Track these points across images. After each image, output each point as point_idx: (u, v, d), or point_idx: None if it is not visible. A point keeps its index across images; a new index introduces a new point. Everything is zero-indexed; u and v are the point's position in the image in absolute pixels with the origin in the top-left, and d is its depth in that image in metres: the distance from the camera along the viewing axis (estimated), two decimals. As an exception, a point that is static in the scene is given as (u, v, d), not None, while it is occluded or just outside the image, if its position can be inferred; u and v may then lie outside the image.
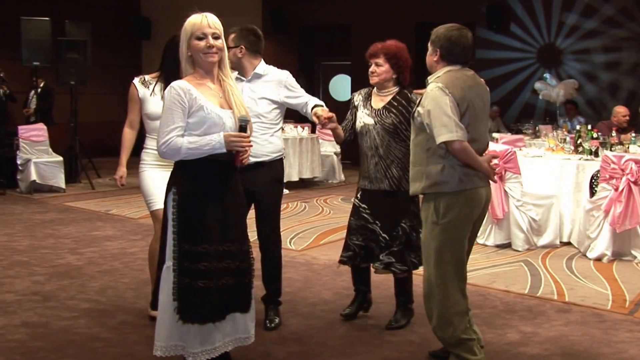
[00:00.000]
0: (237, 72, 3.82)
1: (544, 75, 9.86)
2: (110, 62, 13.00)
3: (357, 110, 3.90)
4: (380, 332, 3.80)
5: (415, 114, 3.13)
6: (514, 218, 5.77)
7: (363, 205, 3.82)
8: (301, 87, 3.93)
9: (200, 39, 2.93)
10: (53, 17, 9.93)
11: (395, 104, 3.78)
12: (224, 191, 2.97)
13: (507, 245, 5.87)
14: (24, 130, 9.14)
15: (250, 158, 3.57)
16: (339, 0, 12.38)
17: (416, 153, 3.15)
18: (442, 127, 2.98)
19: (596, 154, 6.10)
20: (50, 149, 9.25)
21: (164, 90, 3.38)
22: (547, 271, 5.17)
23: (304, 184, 9.78)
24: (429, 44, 3.24)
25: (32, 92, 10.29)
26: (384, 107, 3.79)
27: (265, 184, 3.77)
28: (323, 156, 10.13)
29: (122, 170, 3.94)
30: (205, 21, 2.94)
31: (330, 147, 10.34)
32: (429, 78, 3.19)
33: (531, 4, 11.29)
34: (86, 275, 4.97)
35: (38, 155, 9.03)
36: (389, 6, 11.99)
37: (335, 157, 10.42)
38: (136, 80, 3.88)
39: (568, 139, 6.51)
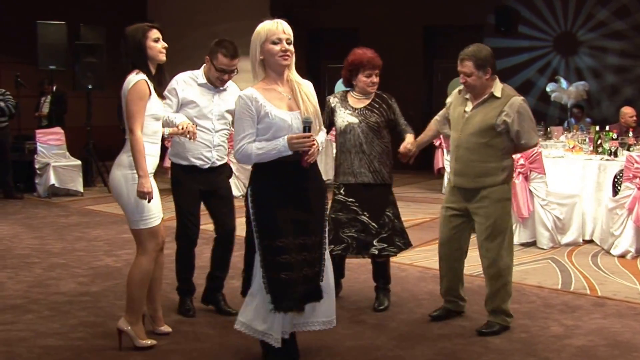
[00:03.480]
0: (204, 80, 4.05)
1: (556, 77, 10.06)
2: (117, 65, 13.08)
3: (334, 111, 4.24)
4: (430, 326, 3.95)
5: (499, 122, 3.72)
6: (539, 217, 5.94)
7: (350, 199, 4.15)
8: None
9: (275, 43, 3.10)
10: (67, 21, 10.01)
11: (377, 105, 4.20)
12: (295, 189, 3.17)
13: (532, 244, 6.03)
14: (41, 135, 9.23)
15: (217, 161, 4.06)
16: (346, 4, 12.53)
17: (487, 152, 3.75)
18: (533, 132, 3.79)
19: (615, 154, 6.28)
20: (67, 153, 9.34)
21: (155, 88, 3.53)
22: (574, 268, 5.34)
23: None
24: (472, 66, 3.73)
25: (44, 97, 10.37)
26: (366, 107, 4.18)
27: (225, 181, 4.22)
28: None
29: (150, 180, 3.42)
30: (280, 27, 3.13)
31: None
32: (495, 92, 3.76)
33: (538, 7, 11.49)
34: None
35: (56, 159, 9.11)
36: (397, 9, 12.15)
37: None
38: (145, 77, 3.45)
39: (587, 139, 6.69)
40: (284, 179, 3.14)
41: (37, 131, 9.35)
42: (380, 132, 4.16)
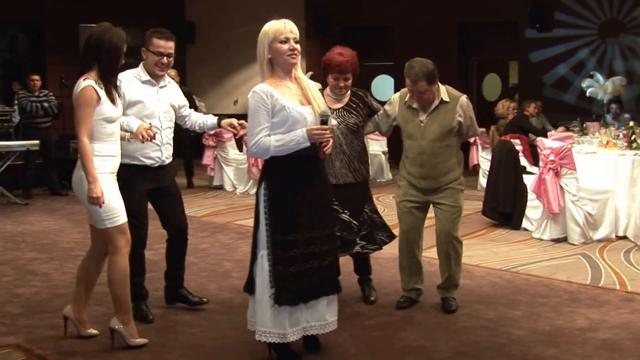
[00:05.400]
0: (147, 76, 3.98)
1: (591, 72, 9.92)
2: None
3: None
4: (456, 319, 4.03)
5: (455, 123, 4.05)
6: (570, 213, 5.93)
7: None
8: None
9: (283, 42, 3.20)
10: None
11: (354, 105, 4.20)
12: (309, 183, 3.28)
13: (563, 239, 6.03)
14: (84, 134, 9.54)
15: (166, 160, 4.02)
16: (381, 2, 12.58)
17: (447, 152, 4.08)
18: (476, 123, 4.20)
19: (650, 150, 6.23)
20: (109, 151, 9.63)
21: (113, 91, 3.49)
22: (605, 263, 5.33)
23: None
24: (425, 85, 3.94)
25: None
26: (344, 108, 4.19)
27: (173, 180, 4.18)
28: (371, 155, 10.33)
29: (100, 185, 3.40)
30: (287, 27, 3.23)
31: (378, 147, 10.52)
32: (444, 97, 4.05)
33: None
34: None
35: (99, 157, 9.42)
36: (431, 7, 12.15)
37: (383, 156, 10.60)
38: (92, 83, 3.41)
39: (621, 135, 6.64)
40: (298, 173, 3.23)
41: (81, 130, 9.67)
42: (359, 132, 4.20)
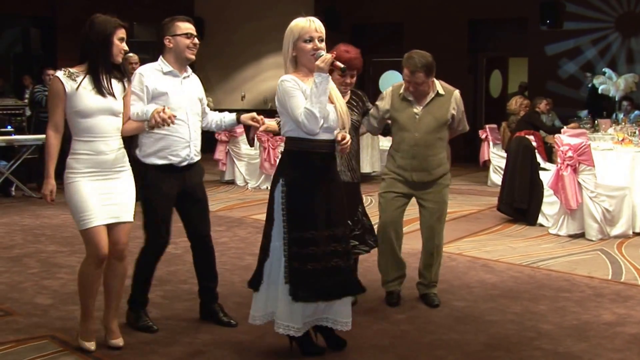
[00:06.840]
0: (169, 67, 3.69)
1: (603, 69, 9.96)
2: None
3: None
4: (482, 313, 4.07)
5: (449, 116, 4.13)
6: (588, 209, 5.98)
7: None
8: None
9: (307, 41, 3.18)
10: (121, 19, 10.38)
11: (354, 103, 4.17)
12: (326, 180, 3.28)
13: (580, 235, 6.07)
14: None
15: (194, 157, 3.71)
16: (391, -2, 12.62)
17: (439, 145, 4.14)
18: (465, 118, 4.30)
19: (667, 146, 6.27)
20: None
21: (96, 83, 3.30)
22: (625, 259, 5.38)
23: (362, 178, 10.06)
24: (423, 77, 4.01)
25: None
26: (346, 104, 4.10)
27: (201, 183, 3.88)
28: (381, 151, 10.37)
29: (52, 183, 3.34)
30: (312, 25, 3.20)
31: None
32: (439, 90, 4.13)
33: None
34: (189, 262, 5.21)
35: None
36: (442, 3, 12.18)
37: (393, 152, 10.63)
38: (60, 74, 3.31)
39: (637, 132, 6.67)
40: (316, 170, 3.23)
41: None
42: (357, 130, 4.18)
